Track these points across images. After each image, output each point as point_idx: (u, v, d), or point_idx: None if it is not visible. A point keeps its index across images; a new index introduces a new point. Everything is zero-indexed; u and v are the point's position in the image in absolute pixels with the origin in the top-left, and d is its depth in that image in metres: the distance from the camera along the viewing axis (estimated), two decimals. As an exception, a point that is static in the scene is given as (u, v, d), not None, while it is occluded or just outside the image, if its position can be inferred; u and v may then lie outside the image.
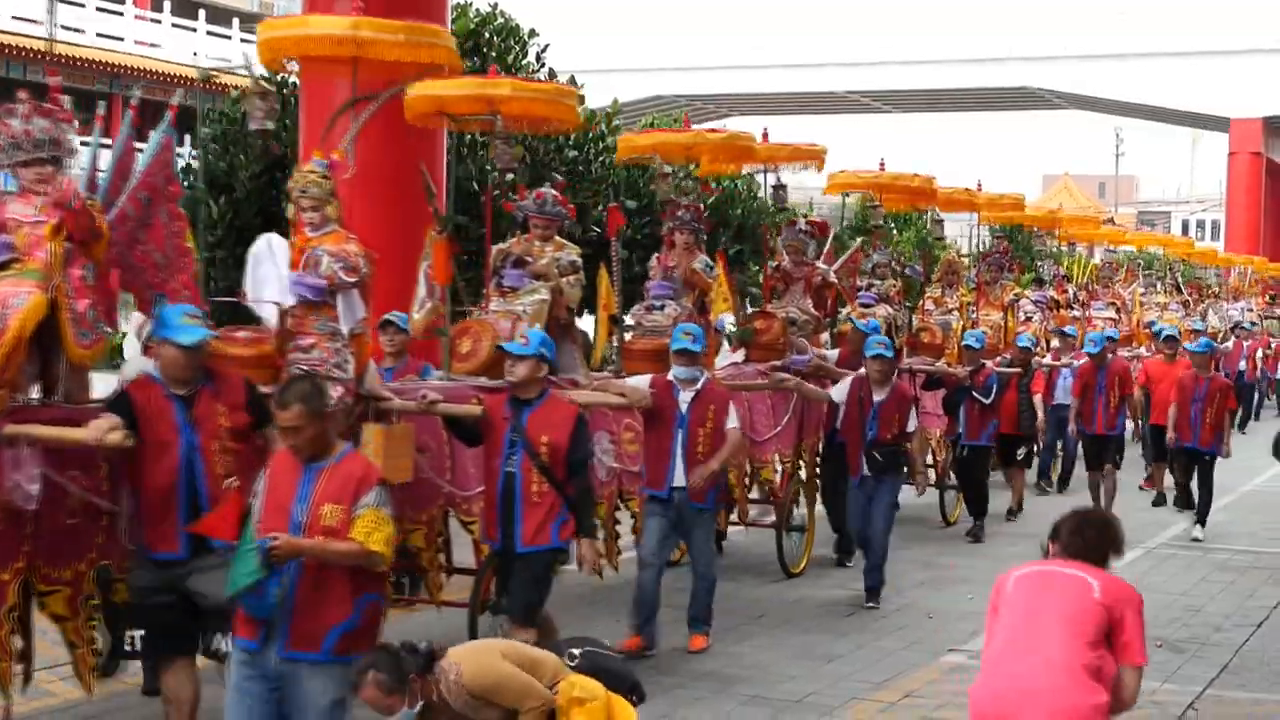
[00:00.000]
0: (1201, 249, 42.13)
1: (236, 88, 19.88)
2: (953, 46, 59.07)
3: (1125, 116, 70.31)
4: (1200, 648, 10.75)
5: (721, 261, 12.59)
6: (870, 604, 11.75)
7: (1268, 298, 40.62)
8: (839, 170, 16.97)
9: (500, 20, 20.38)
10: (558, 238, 10.84)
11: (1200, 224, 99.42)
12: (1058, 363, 18.97)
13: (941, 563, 13.81)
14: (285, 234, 10.52)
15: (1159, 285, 31.96)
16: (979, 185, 20.02)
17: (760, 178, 15.49)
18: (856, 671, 9.81)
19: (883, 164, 16.95)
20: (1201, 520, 15.43)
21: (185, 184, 19.19)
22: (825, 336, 14.70)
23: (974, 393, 15.27)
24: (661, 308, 11.77)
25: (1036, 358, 18.25)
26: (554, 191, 10.91)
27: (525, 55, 20.41)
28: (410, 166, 10.64)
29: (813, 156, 14.29)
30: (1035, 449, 18.45)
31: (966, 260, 20.63)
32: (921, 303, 18.14)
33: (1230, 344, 29.16)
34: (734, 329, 12.99)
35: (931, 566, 13.60)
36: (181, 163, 20.41)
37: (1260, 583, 13.21)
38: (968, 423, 15.41)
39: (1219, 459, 15.62)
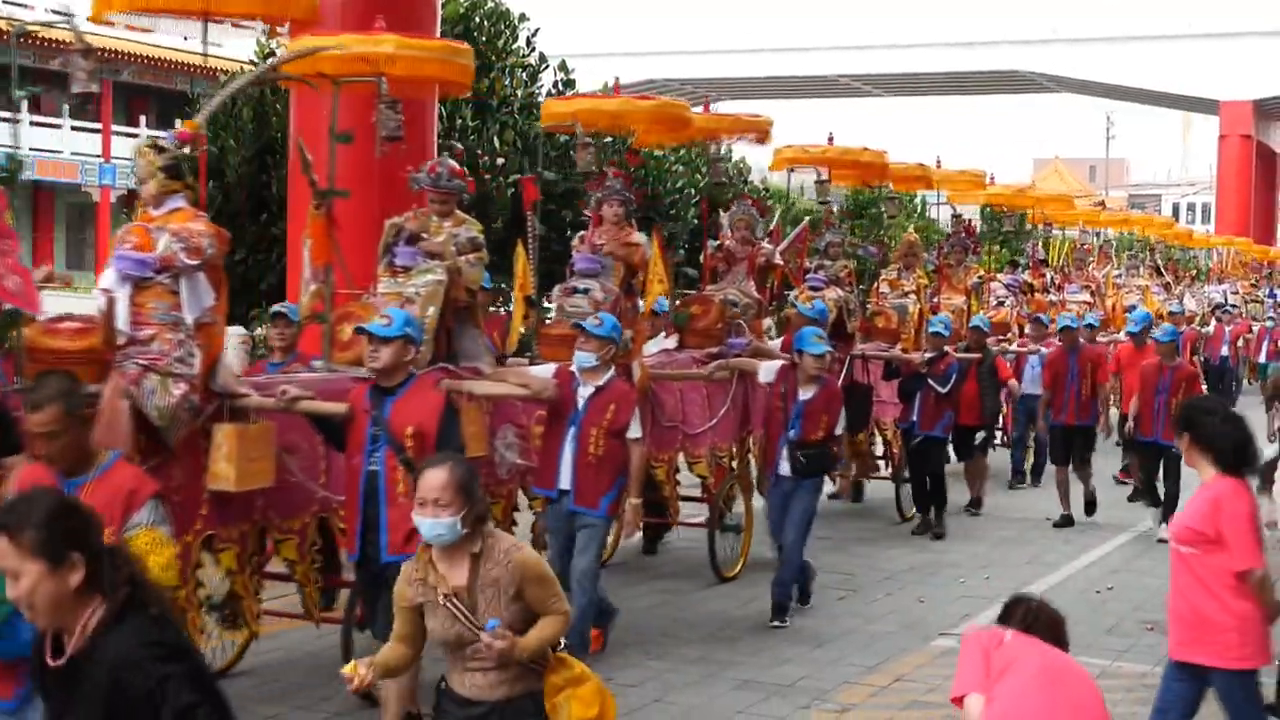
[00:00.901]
0: (1179, 230, 40.89)
1: (226, 72, 19.79)
2: (944, 30, 58.95)
3: (1116, 100, 70.25)
4: (1191, 631, 10.75)
5: (657, 239, 11.77)
6: (776, 622, 10.60)
7: (1250, 281, 39.64)
8: (785, 145, 16.23)
9: (490, 4, 20.33)
10: (459, 212, 9.92)
11: (1191, 207, 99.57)
12: (1026, 349, 18.29)
13: (932, 547, 13.84)
14: (276, 219, 10.56)
15: (1140, 268, 30.49)
16: (938, 162, 19.27)
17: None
18: (847, 655, 9.84)
19: (831, 138, 16.20)
20: (1166, 518, 13.76)
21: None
22: (769, 321, 13.89)
23: (931, 381, 14.49)
24: (585, 290, 10.76)
25: (1004, 344, 17.70)
26: (451, 162, 9.99)
27: (516, 40, 20.37)
28: (401, 158, 10.44)
29: (755, 128, 13.66)
30: (997, 437, 17.68)
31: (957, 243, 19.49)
32: (876, 285, 17.24)
33: (1212, 327, 28.70)
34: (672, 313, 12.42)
35: (922, 551, 13.63)
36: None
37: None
38: (922, 413, 14.59)
39: None
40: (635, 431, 9.30)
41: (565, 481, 9.27)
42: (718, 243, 13.31)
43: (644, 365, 10.69)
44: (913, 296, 16.61)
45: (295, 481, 8.31)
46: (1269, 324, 32.12)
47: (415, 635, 5.23)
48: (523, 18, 20.59)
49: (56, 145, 45.16)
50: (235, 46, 10.13)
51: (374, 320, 7.91)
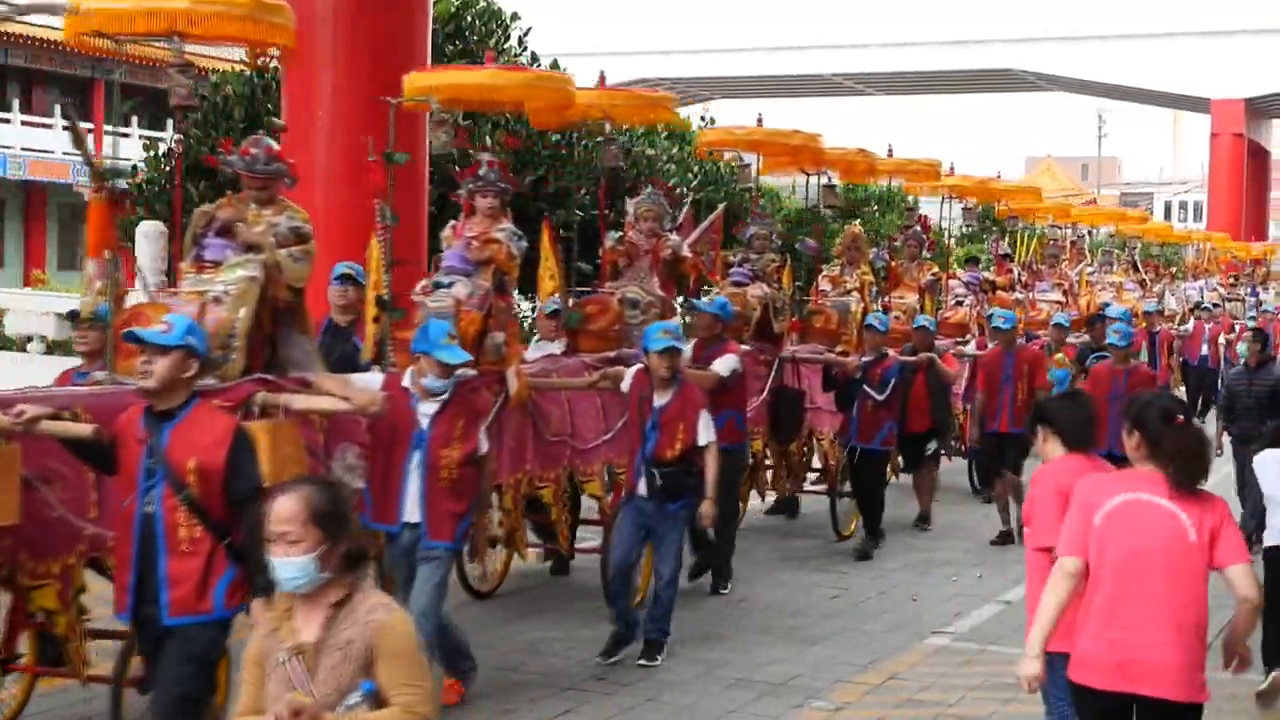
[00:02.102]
0: (1157, 225, 39.33)
1: (218, 71, 19.77)
2: (935, 29, 59.08)
3: (1107, 98, 70.39)
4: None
5: (548, 231, 10.95)
6: (644, 660, 9.35)
7: (1230, 278, 38.29)
8: (710, 128, 15.51)
9: (482, 3, 20.32)
10: (283, 199, 8.62)
11: (1183, 205, 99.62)
12: (983, 351, 15.86)
13: (923, 545, 13.83)
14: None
15: (1113, 264, 28.65)
16: (889, 151, 17.91)
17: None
18: (840, 654, 9.83)
19: (760, 120, 14.90)
20: None
21: (168, 168, 19.30)
22: (675, 321, 12.10)
23: (866, 387, 13.15)
24: (450, 285, 9.47)
25: (959, 346, 16.52)
26: (269, 142, 8.74)
27: (508, 39, 20.36)
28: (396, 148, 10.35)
29: (656, 107, 12.56)
30: (951, 446, 16.38)
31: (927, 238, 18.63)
32: (816, 282, 15.87)
33: (1190, 326, 27.43)
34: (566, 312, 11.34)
35: (914, 549, 13.63)
36: (163, 147, 20.40)
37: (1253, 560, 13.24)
38: (859, 422, 13.20)
39: None
40: (486, 445, 8.27)
41: (412, 513, 8.04)
42: (619, 234, 12.07)
43: (521, 373, 9.73)
44: (856, 295, 15.48)
45: (55, 516, 6.92)
46: (1249, 324, 31.36)
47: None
48: (515, 17, 20.58)
49: (48, 145, 45.08)
50: (226, 47, 10.05)
51: (152, 325, 6.55)
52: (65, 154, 46.07)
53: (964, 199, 23.01)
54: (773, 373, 13.12)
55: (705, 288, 13.54)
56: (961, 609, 11.19)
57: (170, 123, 29.35)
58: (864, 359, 13.36)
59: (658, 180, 12.76)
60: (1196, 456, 5.64)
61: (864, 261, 16.13)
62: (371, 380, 8.30)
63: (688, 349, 10.95)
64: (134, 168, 20.12)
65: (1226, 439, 14.09)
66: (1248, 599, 5.58)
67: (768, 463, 13.61)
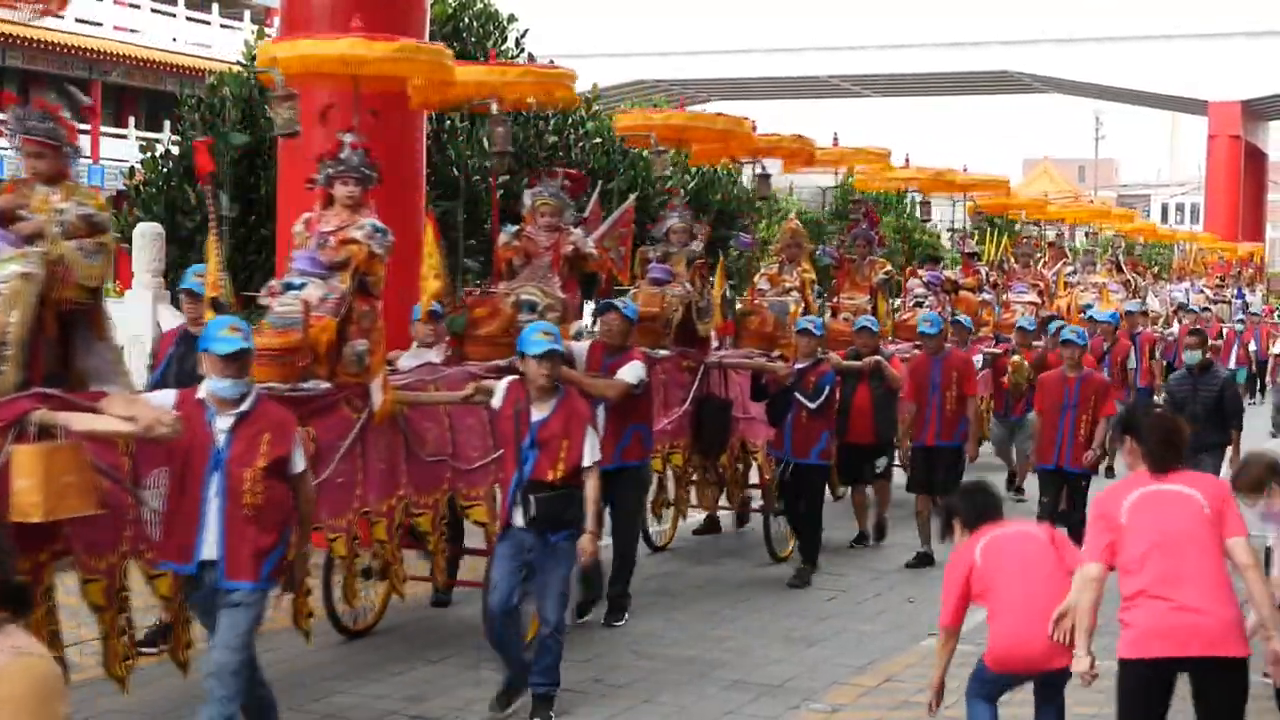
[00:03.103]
0: (1142, 224, 38.22)
1: (213, 73, 19.78)
2: (933, 30, 59.12)
3: (1104, 100, 70.44)
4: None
5: (431, 225, 9.89)
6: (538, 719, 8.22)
7: (1217, 279, 37.42)
8: (628, 110, 14.58)
9: (480, 5, 20.35)
10: (72, 182, 7.43)
11: (1180, 207, 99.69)
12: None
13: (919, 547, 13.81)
14: (264, 220, 10.48)
15: (1096, 264, 27.48)
16: (834, 140, 17.04)
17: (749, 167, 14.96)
18: (836, 656, 9.83)
19: (683, 102, 14.14)
20: None
21: (164, 170, 19.32)
22: (582, 324, 11.53)
23: (798, 395, 12.00)
24: (301, 286, 8.42)
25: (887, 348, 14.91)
26: (62, 101, 7.62)
27: (504, 40, 20.39)
28: (392, 157, 10.35)
29: (551, 85, 11.25)
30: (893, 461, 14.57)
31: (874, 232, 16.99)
32: (754, 281, 14.82)
33: (1176, 330, 25.60)
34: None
35: (911, 551, 13.61)
36: (160, 149, 20.42)
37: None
38: (792, 434, 12.06)
39: (1103, 478, 13.36)
40: (300, 464, 6.93)
41: (210, 549, 6.70)
42: (515, 229, 10.79)
43: (388, 385, 8.74)
44: (795, 294, 14.24)
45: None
46: (1237, 327, 30.26)
47: None
48: (511, 18, 20.63)
49: (45, 146, 45.12)
50: (224, 48, 9.98)
51: None
52: (62, 156, 46.10)
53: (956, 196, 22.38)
54: (697, 380, 12.08)
55: (619, 287, 12.44)
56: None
57: (168, 124, 29.30)
58: (797, 365, 12.18)
59: (561, 168, 11.24)
60: (1169, 437, 6.41)
61: (805, 258, 14.90)
62: (165, 398, 6.98)
63: (581, 351, 10.37)
64: (131, 169, 20.14)
65: None
66: (1249, 565, 6.13)
67: (694, 478, 12.58)
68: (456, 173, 18.28)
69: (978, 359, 15.36)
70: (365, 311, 8.65)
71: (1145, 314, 23.61)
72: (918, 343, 14.19)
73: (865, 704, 8.77)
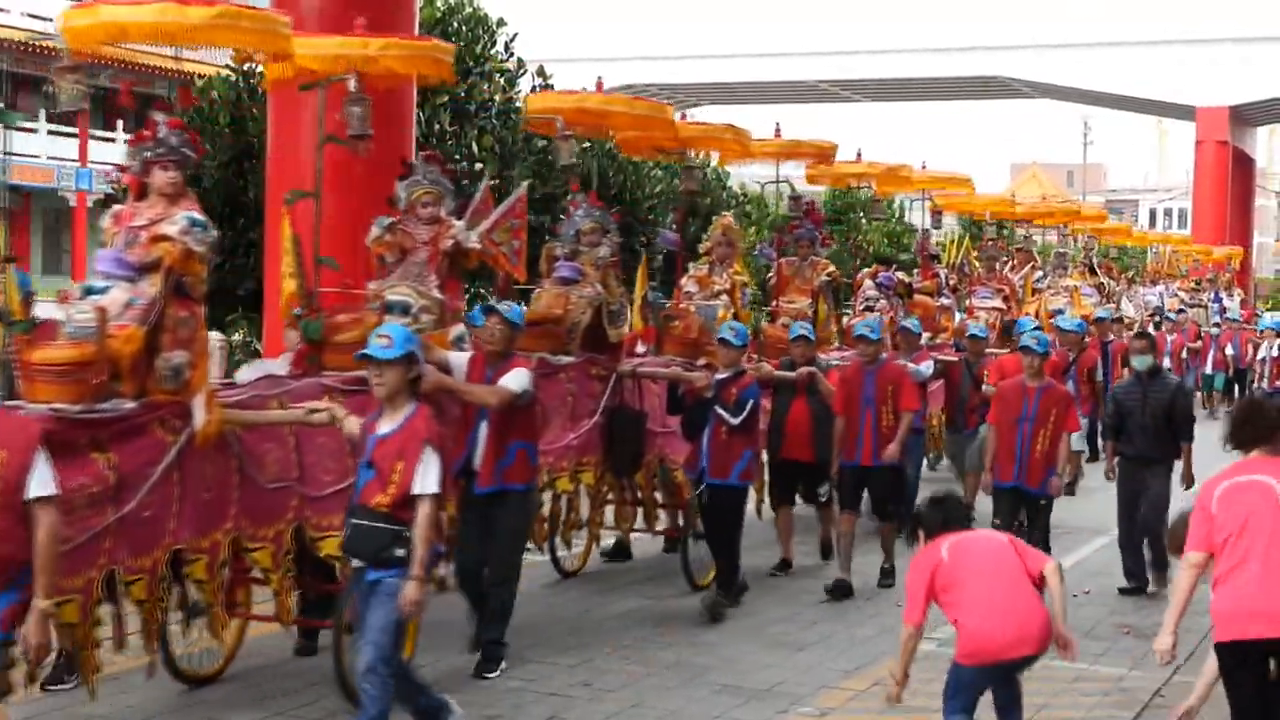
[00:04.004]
0: (1115, 225, 36.60)
1: (203, 76, 19.75)
2: (922, 36, 59.18)
3: (1092, 105, 70.55)
4: (1168, 634, 10.78)
5: (289, 220, 9.11)
6: None
7: (1193, 282, 36.64)
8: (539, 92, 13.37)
9: (468, 10, 20.33)
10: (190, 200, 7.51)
11: (1168, 212, 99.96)
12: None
13: (911, 552, 13.77)
14: (253, 224, 10.39)
15: (1067, 266, 26.04)
16: (776, 131, 15.73)
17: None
18: (826, 660, 9.84)
19: (600, 84, 12.73)
20: None
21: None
22: (458, 330, 9.78)
23: (719, 409, 10.94)
24: (104, 290, 7.47)
25: (825, 357, 13.73)
26: None
27: (494, 44, 20.37)
28: (380, 155, 10.30)
29: (420, 60, 10.02)
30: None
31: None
32: (680, 282, 13.71)
33: (1151, 333, 26.34)
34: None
35: (901, 556, 13.57)
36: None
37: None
38: (711, 452, 10.92)
39: (1071, 498, 12.95)
40: (39, 489, 5.86)
41: None
42: (389, 221, 9.69)
43: (214, 403, 7.68)
44: (725, 298, 13.30)
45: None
46: (1214, 331, 29.72)
47: None
48: (501, 22, 20.59)
49: (34, 150, 45.03)
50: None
51: None
52: (50, 159, 46.07)
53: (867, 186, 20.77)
54: (608, 390, 11.19)
55: (523, 286, 11.61)
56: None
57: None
58: (718, 376, 11.15)
59: (434, 155, 10.20)
60: (1242, 419, 6.94)
61: (737, 259, 13.85)
62: None
63: (462, 363, 9.21)
64: (118, 174, 20.09)
65: (1116, 462, 12.40)
66: None
67: (610, 498, 11.70)
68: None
69: (927, 366, 14.37)
70: (183, 319, 7.56)
71: (1120, 320, 22.79)
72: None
73: (854, 708, 8.77)
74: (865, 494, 12.27)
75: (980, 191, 24.78)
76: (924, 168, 20.53)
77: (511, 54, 20.66)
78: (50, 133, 46.13)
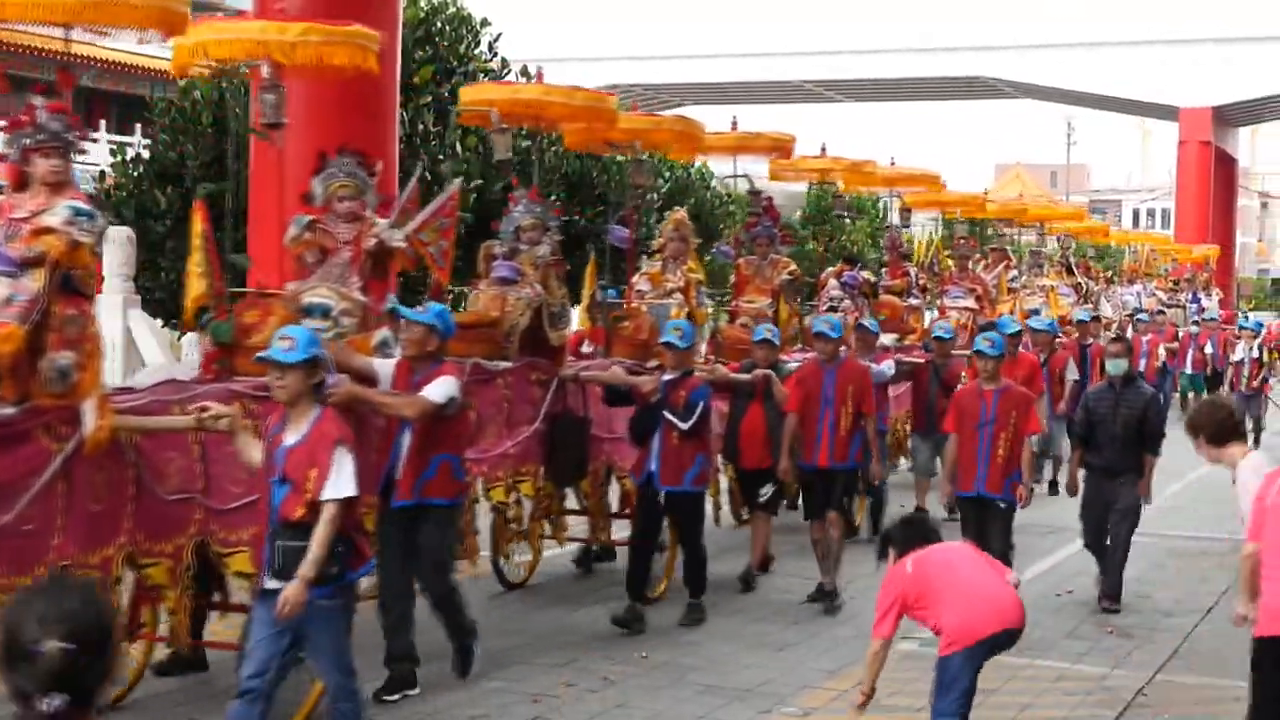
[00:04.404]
0: (1091, 224, 35.09)
1: (185, 77, 19.71)
2: (905, 36, 59.25)
3: (1076, 105, 70.71)
4: (1150, 634, 10.84)
5: (200, 215, 8.45)
6: None
7: (1171, 282, 35.67)
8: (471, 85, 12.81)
9: (452, 9, 20.32)
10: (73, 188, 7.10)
11: (1151, 212, 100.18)
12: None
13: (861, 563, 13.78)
14: (237, 224, 10.29)
15: (1044, 266, 25.19)
16: (733, 123, 15.50)
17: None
18: (809, 660, 9.84)
19: (540, 75, 12.56)
20: None
21: (134, 174, 19.25)
22: (383, 333, 9.14)
23: (668, 414, 10.49)
24: None
25: (786, 363, 12.86)
26: None
27: (477, 45, 20.37)
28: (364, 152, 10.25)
29: (342, 48, 9.21)
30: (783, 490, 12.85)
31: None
32: (631, 281, 13.13)
33: (1129, 336, 23.99)
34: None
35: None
36: (131, 152, 20.34)
37: (1210, 569, 13.31)
38: (663, 459, 10.47)
39: (1035, 506, 12.29)
40: None
41: None
42: (308, 220, 9.19)
43: (107, 408, 7.19)
44: (679, 296, 12.71)
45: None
46: (1192, 330, 29.10)
47: None
48: (485, 23, 20.60)
49: (15, 150, 44.93)
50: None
51: None
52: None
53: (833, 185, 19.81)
54: (550, 395, 10.74)
55: (457, 289, 11.19)
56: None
57: (139, 128, 29.14)
58: (665, 378, 10.64)
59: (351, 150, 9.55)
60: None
61: (691, 256, 13.20)
62: None
63: (388, 369, 8.67)
64: (101, 173, 20.06)
65: (1082, 473, 11.85)
66: None
67: (554, 508, 11.36)
68: (430, 177, 18.25)
69: (887, 366, 14.07)
70: (70, 317, 7.04)
71: (1098, 320, 22.01)
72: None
73: (837, 707, 8.77)
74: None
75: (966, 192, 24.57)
76: (893, 164, 19.98)
77: (495, 54, 20.67)
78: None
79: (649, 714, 8.55)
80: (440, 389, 8.47)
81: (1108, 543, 11.67)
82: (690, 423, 10.42)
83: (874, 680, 7.37)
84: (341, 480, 6.75)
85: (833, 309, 15.23)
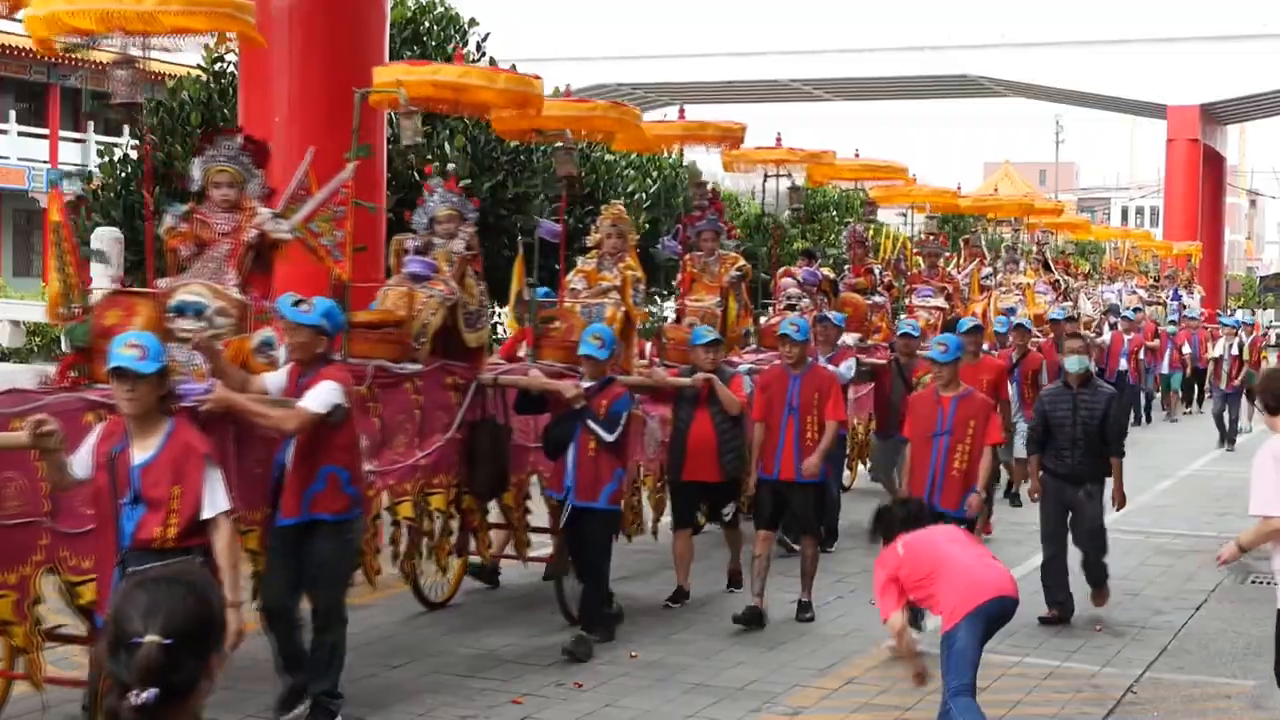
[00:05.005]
0: (1071, 219, 33.37)
1: (172, 77, 19.70)
2: (894, 35, 59.39)
3: (1064, 104, 70.76)
4: (1140, 631, 10.85)
5: (55, 205, 7.85)
6: None
7: (1151, 279, 35.23)
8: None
9: (440, 9, 20.30)
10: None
11: (1140, 210, 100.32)
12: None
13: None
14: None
15: (1020, 262, 24.19)
16: (680, 113, 14.65)
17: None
18: (798, 659, 9.84)
19: (460, 55, 11.81)
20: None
21: (122, 175, 19.20)
22: (264, 334, 8.42)
23: (590, 423, 9.68)
24: None
25: (738, 361, 12.45)
26: None
27: (465, 44, 20.34)
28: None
29: (215, 21, 8.15)
30: (745, 504, 11.93)
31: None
32: (566, 278, 12.03)
33: (1108, 336, 24.85)
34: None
35: (874, 555, 13.61)
36: (119, 154, 20.30)
37: (1198, 566, 13.34)
38: (578, 471, 9.69)
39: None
40: None
41: None
42: (184, 209, 8.56)
43: None
44: (615, 295, 11.63)
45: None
46: (1170, 329, 28.53)
47: None
48: (473, 22, 20.57)
49: (3, 151, 44.84)
50: (183, 53, 9.80)
51: None
52: (20, 160, 45.85)
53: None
54: (467, 401, 10.00)
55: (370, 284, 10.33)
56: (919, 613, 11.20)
57: (126, 129, 29.07)
58: (585, 385, 9.86)
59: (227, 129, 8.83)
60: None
61: (630, 252, 12.06)
62: None
63: (280, 382, 7.91)
64: (89, 174, 20.01)
65: (1042, 478, 11.08)
66: None
67: (475, 523, 10.49)
68: (418, 177, 18.24)
69: (847, 367, 13.38)
70: None
71: (1074, 319, 20.97)
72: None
73: (827, 707, 8.78)
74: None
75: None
76: (857, 156, 18.95)
77: (484, 53, 20.63)
78: (21, 134, 45.94)
79: (638, 713, 8.55)
80: (322, 397, 7.66)
81: (1073, 554, 11.18)
82: (615, 434, 9.72)
83: (912, 653, 7.67)
84: (219, 495, 6.42)
85: (791, 307, 14.54)
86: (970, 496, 10.03)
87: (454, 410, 9.90)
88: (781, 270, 16.23)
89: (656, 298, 13.18)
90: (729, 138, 14.36)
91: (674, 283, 13.52)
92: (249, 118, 13.17)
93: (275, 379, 7.95)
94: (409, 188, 17.58)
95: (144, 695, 2.77)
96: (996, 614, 7.43)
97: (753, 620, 10.53)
